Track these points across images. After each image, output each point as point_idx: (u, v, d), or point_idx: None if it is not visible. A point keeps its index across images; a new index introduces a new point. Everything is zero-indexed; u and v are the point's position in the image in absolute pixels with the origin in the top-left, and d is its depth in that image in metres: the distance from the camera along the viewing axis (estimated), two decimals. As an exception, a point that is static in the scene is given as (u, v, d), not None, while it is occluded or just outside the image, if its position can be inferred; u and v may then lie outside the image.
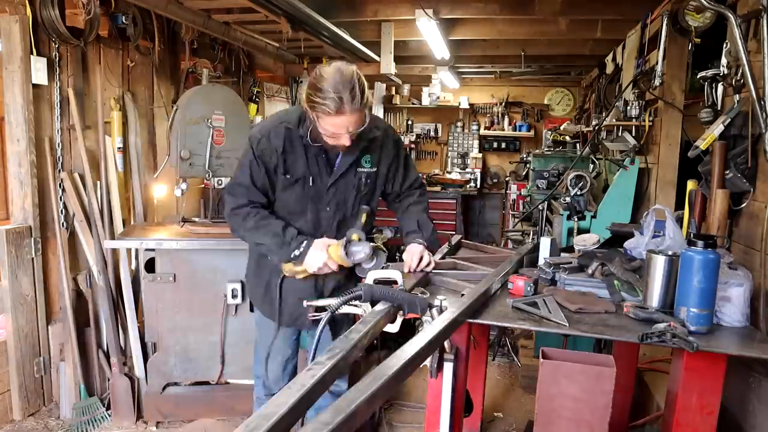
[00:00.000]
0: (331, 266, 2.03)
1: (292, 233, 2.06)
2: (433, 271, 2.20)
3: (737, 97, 2.29)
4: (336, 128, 1.92)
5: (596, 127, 4.15)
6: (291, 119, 2.07)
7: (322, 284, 2.22)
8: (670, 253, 1.90)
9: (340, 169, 2.12)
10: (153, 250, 2.96)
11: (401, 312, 1.66)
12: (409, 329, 1.87)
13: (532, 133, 7.84)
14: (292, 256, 2.03)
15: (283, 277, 2.17)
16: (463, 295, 1.90)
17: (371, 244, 2.05)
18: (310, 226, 2.15)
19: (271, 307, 2.25)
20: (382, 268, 2.03)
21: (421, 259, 2.16)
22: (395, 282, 1.83)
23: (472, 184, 7.63)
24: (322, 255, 2.02)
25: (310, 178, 2.10)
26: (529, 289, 2.03)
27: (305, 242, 2.03)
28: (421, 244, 2.20)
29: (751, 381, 2.12)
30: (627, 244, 2.23)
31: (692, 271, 1.71)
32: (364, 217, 2.16)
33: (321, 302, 1.75)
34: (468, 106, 7.91)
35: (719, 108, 2.51)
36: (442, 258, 2.53)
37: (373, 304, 1.64)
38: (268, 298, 2.26)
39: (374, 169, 2.20)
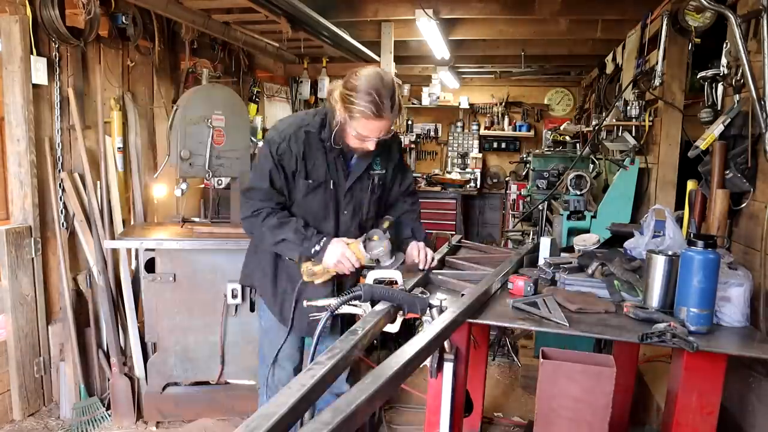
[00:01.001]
0: (350, 259, 2.02)
1: (312, 230, 2.05)
2: (433, 271, 2.21)
3: (737, 97, 2.29)
4: (370, 132, 1.93)
5: (596, 127, 4.15)
6: (312, 123, 2.07)
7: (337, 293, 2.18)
8: (670, 253, 1.90)
9: (356, 173, 2.13)
10: (153, 250, 2.95)
11: (401, 312, 1.66)
12: (409, 329, 1.87)
13: (532, 133, 7.85)
14: (312, 251, 2.01)
15: (300, 284, 2.13)
16: (463, 295, 1.90)
17: (389, 240, 2.07)
18: (332, 231, 2.14)
19: (283, 314, 2.22)
20: (401, 263, 2.09)
21: (426, 255, 2.19)
22: (395, 282, 1.83)
23: (472, 184, 7.63)
24: (339, 247, 2.01)
25: (331, 182, 2.10)
26: (529, 289, 2.03)
27: (325, 239, 2.02)
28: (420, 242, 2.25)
29: (751, 381, 2.12)
30: (627, 244, 2.23)
31: (692, 271, 1.71)
32: (386, 224, 2.16)
33: (321, 302, 1.75)
34: (468, 106, 7.92)
35: (719, 108, 2.51)
36: (442, 258, 2.53)
37: (373, 304, 1.64)
38: (279, 304, 2.24)
39: (383, 171, 2.22)
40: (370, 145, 1.98)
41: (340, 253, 2.00)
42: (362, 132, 1.93)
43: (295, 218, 2.08)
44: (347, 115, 1.91)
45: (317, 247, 2.01)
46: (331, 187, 2.11)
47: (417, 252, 2.20)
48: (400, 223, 2.32)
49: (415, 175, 7.68)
